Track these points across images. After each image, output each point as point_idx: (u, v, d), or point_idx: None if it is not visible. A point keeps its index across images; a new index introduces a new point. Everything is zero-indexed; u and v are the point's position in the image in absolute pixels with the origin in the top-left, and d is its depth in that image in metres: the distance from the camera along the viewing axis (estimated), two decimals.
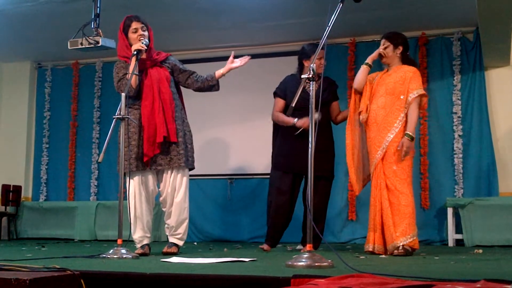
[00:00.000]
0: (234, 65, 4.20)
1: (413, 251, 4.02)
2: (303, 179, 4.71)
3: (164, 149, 4.01)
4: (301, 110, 4.27)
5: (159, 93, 4.04)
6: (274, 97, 4.82)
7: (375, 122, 4.21)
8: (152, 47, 4.15)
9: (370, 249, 4.14)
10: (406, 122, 4.13)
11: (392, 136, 4.11)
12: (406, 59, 4.34)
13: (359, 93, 4.43)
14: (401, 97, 4.17)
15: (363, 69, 4.39)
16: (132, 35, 4.07)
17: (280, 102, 4.75)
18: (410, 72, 4.22)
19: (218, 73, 4.21)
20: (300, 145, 4.54)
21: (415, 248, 4.04)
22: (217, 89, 4.32)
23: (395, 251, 3.95)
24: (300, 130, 4.48)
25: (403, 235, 3.97)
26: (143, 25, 4.08)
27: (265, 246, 4.66)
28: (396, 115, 4.14)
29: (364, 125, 4.35)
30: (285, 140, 4.70)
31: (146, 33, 4.08)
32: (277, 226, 4.66)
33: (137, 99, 4.09)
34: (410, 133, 4.08)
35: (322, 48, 4.63)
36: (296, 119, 4.52)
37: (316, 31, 6.36)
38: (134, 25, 4.08)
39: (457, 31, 6.56)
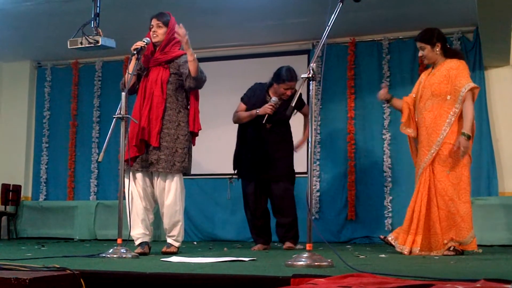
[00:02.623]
0: (181, 40, 3.89)
1: (461, 252, 4.03)
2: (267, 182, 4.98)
3: (148, 151, 3.99)
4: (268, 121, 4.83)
5: (150, 95, 4.01)
6: (241, 100, 5.11)
7: (423, 125, 4.12)
8: (164, 44, 4.09)
9: (400, 250, 4.09)
10: (455, 122, 4.01)
11: (442, 138, 4.01)
12: (448, 52, 4.18)
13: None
14: (448, 97, 4.04)
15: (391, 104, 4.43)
16: (150, 32, 4.11)
17: (242, 107, 5.07)
18: (454, 69, 4.05)
19: (188, 62, 3.96)
20: (257, 155, 4.91)
21: (473, 249, 4.05)
22: (197, 80, 3.98)
23: (446, 251, 3.98)
24: (266, 117, 4.81)
25: (452, 240, 3.99)
26: (158, 21, 4.09)
27: (257, 247, 4.87)
28: (444, 118, 4.02)
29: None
30: (244, 148, 5.03)
31: (161, 29, 4.08)
32: (256, 226, 4.99)
33: None
34: (467, 132, 3.94)
35: (293, 80, 4.89)
36: (257, 110, 4.87)
37: (315, 31, 6.37)
38: (152, 22, 4.12)
39: (457, 30, 6.55)
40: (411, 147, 4.37)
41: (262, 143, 4.91)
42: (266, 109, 4.83)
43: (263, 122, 4.82)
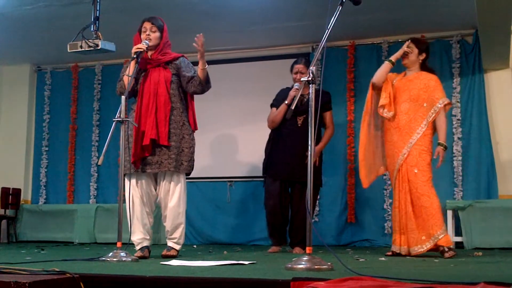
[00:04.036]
0: (199, 50, 3.98)
1: (449, 248, 4.11)
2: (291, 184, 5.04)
3: (155, 152, 3.98)
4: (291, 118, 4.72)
5: (155, 95, 4.01)
6: (271, 107, 5.14)
7: (397, 127, 4.34)
8: (161, 47, 4.10)
9: (397, 251, 4.26)
10: (429, 128, 4.29)
11: (414, 140, 4.26)
12: (425, 67, 4.49)
13: (377, 88, 4.49)
14: (424, 105, 4.32)
15: (386, 65, 4.50)
16: (142, 35, 4.10)
17: (273, 111, 5.09)
18: (433, 81, 4.37)
19: (198, 69, 4.07)
20: (287, 154, 4.94)
21: (448, 245, 4.13)
22: (204, 86, 4.10)
23: (444, 252, 4.07)
24: (294, 103, 4.43)
25: (430, 236, 4.10)
26: (152, 25, 4.09)
27: (272, 248, 5.00)
28: (419, 122, 4.30)
29: (385, 125, 4.45)
30: (275, 148, 5.04)
31: (155, 34, 4.08)
32: (275, 227, 5.03)
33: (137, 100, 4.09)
34: (444, 143, 4.31)
35: (299, 63, 4.96)
36: (285, 102, 4.91)
37: (316, 34, 6.39)
38: (145, 25, 4.12)
39: (457, 33, 6.56)
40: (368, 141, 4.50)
41: (294, 144, 4.92)
42: (291, 94, 4.87)
43: (291, 107, 4.70)
